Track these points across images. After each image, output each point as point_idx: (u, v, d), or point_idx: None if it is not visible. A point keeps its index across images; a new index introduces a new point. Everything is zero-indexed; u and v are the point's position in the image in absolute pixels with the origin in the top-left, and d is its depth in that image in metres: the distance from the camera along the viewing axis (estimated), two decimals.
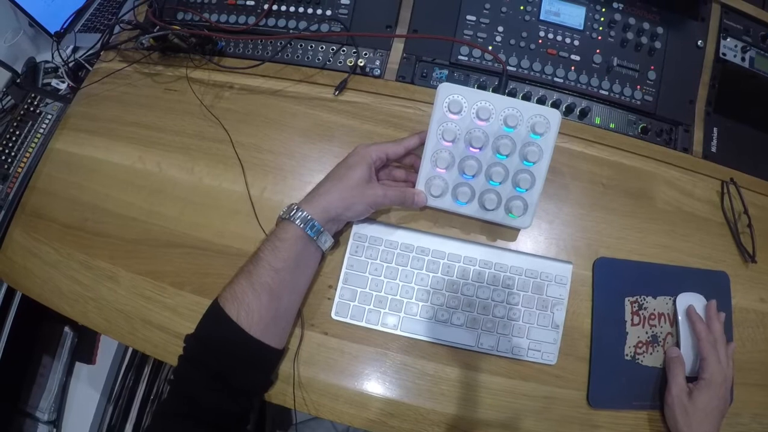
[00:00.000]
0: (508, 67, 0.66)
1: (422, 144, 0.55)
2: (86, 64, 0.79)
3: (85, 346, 0.85)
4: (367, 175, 0.53)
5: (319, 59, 0.68)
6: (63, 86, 0.81)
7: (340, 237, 0.58)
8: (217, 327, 0.47)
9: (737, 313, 0.61)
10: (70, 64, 0.80)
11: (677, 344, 0.58)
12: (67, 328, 0.83)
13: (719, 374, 0.54)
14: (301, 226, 0.49)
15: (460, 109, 0.53)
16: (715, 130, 0.72)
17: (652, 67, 0.69)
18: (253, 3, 0.70)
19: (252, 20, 0.69)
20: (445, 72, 0.67)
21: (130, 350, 0.91)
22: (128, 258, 0.60)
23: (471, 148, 0.55)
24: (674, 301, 0.59)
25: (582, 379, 0.56)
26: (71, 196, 0.64)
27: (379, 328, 0.55)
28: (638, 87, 0.68)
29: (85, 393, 0.86)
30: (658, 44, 0.69)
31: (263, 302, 0.47)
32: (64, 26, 0.84)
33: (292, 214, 0.50)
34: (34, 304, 0.61)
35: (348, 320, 0.55)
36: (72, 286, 0.60)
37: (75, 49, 0.83)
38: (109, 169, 0.65)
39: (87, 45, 0.81)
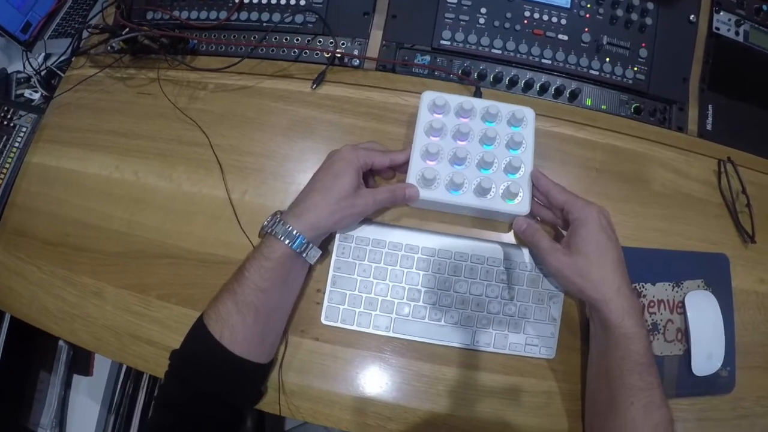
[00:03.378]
0: (494, 50, 0.61)
1: (407, 161, 0.53)
2: (58, 72, 0.74)
3: (81, 358, 0.83)
4: (355, 183, 0.48)
5: (294, 52, 0.63)
6: (36, 96, 0.76)
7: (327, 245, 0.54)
8: (200, 346, 0.45)
9: (738, 296, 0.57)
10: (42, 73, 0.76)
11: (687, 340, 0.54)
12: (61, 342, 0.80)
13: (590, 209, 0.47)
14: (289, 243, 0.45)
15: (443, 109, 0.55)
16: (710, 107, 0.67)
17: (644, 45, 0.64)
18: None
19: (224, 15, 0.64)
20: (428, 58, 0.62)
21: None
22: (112, 272, 0.57)
23: (458, 141, 0.54)
24: (673, 287, 0.56)
25: (582, 372, 0.52)
26: (51, 211, 0.61)
27: (371, 330, 0.52)
28: (629, 66, 0.63)
29: (85, 405, 0.83)
30: (648, 20, 0.64)
31: (248, 322, 0.44)
32: (33, 33, 0.79)
33: (278, 229, 0.45)
34: (24, 321, 0.58)
35: (339, 324, 0.52)
36: (58, 304, 0.57)
37: (47, 57, 0.78)
38: (87, 181, 0.61)
39: (58, 51, 0.76)
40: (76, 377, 0.84)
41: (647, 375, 0.43)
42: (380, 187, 0.52)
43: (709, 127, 0.67)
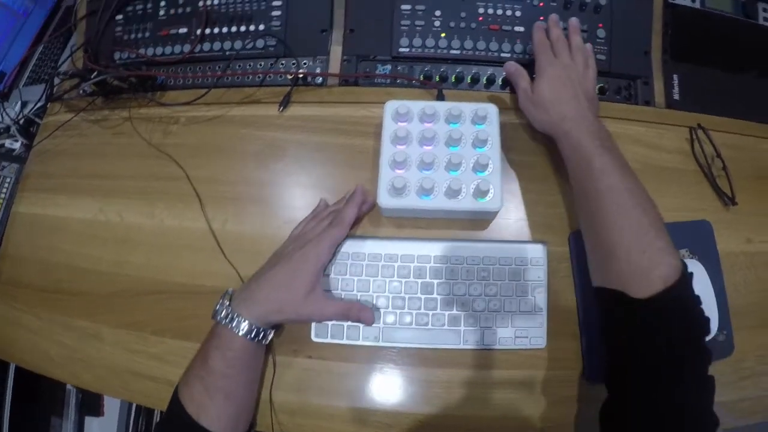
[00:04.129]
0: (452, 51, 0.62)
1: (359, 213, 0.55)
2: (36, 119, 0.75)
3: (91, 400, 0.84)
4: (312, 285, 0.48)
5: (259, 77, 0.64)
6: (17, 145, 0.77)
7: None
8: (180, 425, 0.46)
9: (726, 259, 0.57)
10: (21, 122, 0.77)
11: None
12: (68, 385, 0.81)
13: (546, 64, 0.56)
14: (244, 335, 0.46)
15: (407, 117, 0.55)
16: (674, 77, 0.67)
17: (600, 25, 0.64)
18: (185, 30, 0.66)
19: (187, 48, 0.65)
20: (388, 67, 0.63)
21: None
22: (107, 313, 0.58)
23: (425, 146, 0.55)
24: None
25: (575, 357, 0.53)
26: (42, 258, 0.62)
27: (361, 342, 0.53)
28: None
29: None
30: (602, 0, 0.64)
31: (219, 403, 0.46)
32: (7, 83, 0.80)
33: (232, 323, 0.46)
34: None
35: (329, 340, 0.53)
36: (59, 350, 0.58)
37: (23, 105, 0.79)
38: (73, 226, 0.63)
39: (34, 98, 0.77)
40: (87, 419, 0.85)
41: (605, 178, 0.48)
42: (335, 301, 0.52)
43: (676, 97, 0.67)
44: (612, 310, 0.46)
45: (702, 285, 0.55)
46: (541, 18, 0.63)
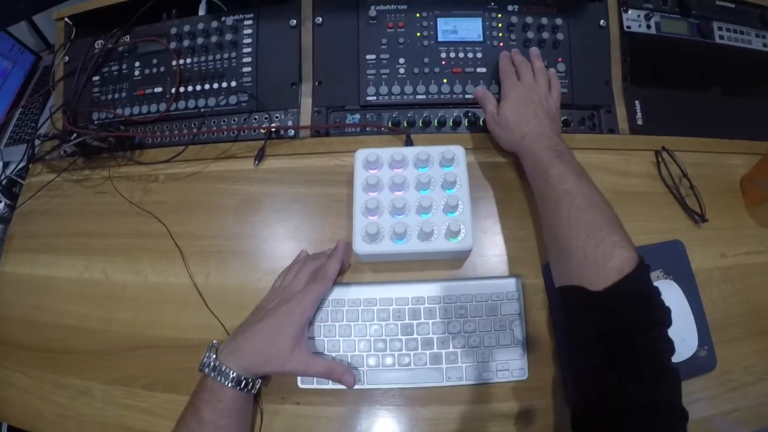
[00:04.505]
0: (418, 96, 0.66)
1: (342, 264, 0.58)
2: (19, 180, 0.78)
3: None
4: (296, 340, 0.51)
5: (233, 132, 0.67)
6: (0, 206, 0.80)
7: None
8: None
9: (701, 276, 0.60)
10: (3, 183, 0.80)
11: None
12: None
13: (512, 88, 0.62)
14: (233, 386, 0.48)
15: (377, 164, 0.59)
16: (636, 103, 0.71)
17: (560, 60, 0.69)
18: (160, 90, 0.70)
19: (163, 107, 0.69)
20: (357, 116, 0.66)
21: None
22: (96, 370, 0.60)
23: (396, 192, 0.58)
24: None
25: (558, 384, 0.55)
26: (30, 318, 0.64)
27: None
28: None
29: None
30: (560, 35, 0.69)
31: None
32: None
33: (222, 376, 0.48)
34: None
35: (315, 386, 0.55)
36: (51, 408, 0.59)
37: (5, 165, 0.82)
38: (59, 285, 0.65)
39: (16, 159, 0.80)
40: None
41: (561, 184, 0.52)
42: (321, 359, 0.54)
43: (639, 122, 0.70)
44: (572, 306, 0.49)
45: (678, 304, 0.57)
46: None
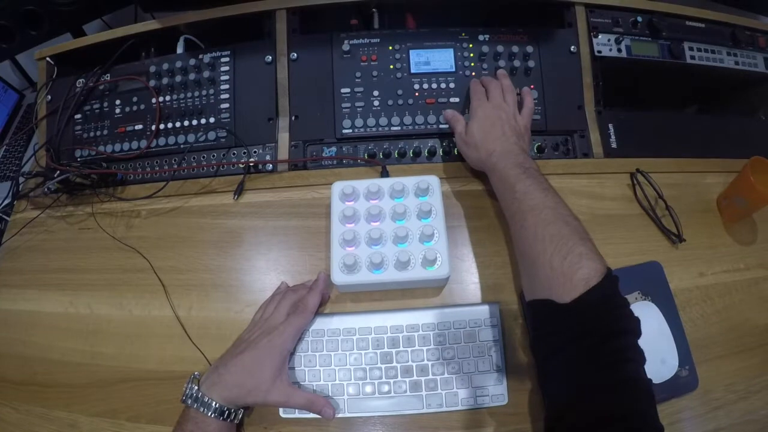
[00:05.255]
0: (393, 128, 0.70)
1: (322, 296, 0.61)
2: (4, 216, 0.82)
3: None
4: (279, 371, 0.54)
5: (213, 167, 0.72)
6: None
7: None
8: None
9: (680, 296, 0.62)
10: None
11: None
12: None
13: (480, 107, 0.66)
14: (217, 417, 0.52)
15: (353, 196, 0.62)
16: (610, 126, 0.75)
17: (532, 87, 0.73)
18: (141, 127, 0.74)
19: (144, 144, 0.73)
20: (334, 149, 0.71)
21: None
22: (83, 403, 0.63)
23: (372, 222, 0.62)
24: None
25: (539, 409, 0.57)
26: (17, 353, 0.67)
27: None
28: None
29: None
30: (531, 63, 0.73)
31: None
32: None
33: (205, 407, 0.51)
34: None
35: (296, 415, 0.58)
36: None
37: None
38: (45, 320, 0.68)
39: (0, 196, 0.84)
40: None
41: (527, 200, 0.55)
42: (301, 391, 0.56)
43: (614, 145, 0.74)
44: (541, 319, 0.51)
45: (657, 325, 0.60)
46: None
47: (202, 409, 0.51)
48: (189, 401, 0.52)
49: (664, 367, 0.58)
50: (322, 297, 0.62)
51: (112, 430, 0.61)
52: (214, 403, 0.51)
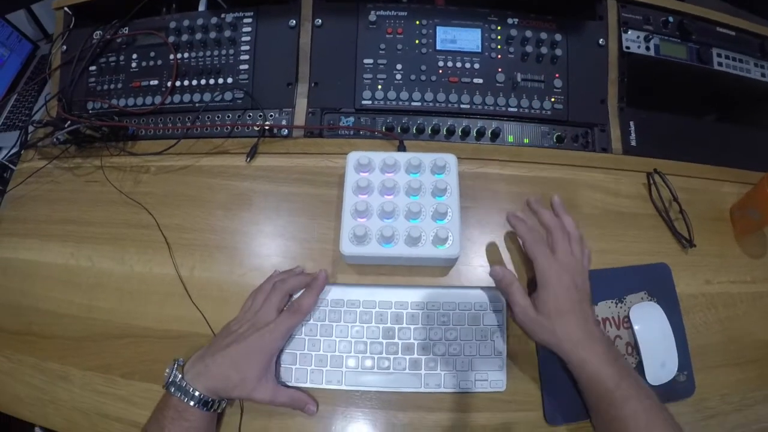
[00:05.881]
0: (413, 103, 0.68)
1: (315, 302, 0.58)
2: (10, 165, 0.81)
3: None
4: (266, 369, 0.53)
5: (227, 128, 0.70)
6: None
7: None
8: None
9: (685, 301, 0.62)
10: None
11: (638, 352, 0.58)
12: (37, 429, 0.84)
13: (551, 269, 0.52)
14: (204, 408, 0.50)
15: (368, 167, 0.61)
16: (631, 124, 0.74)
17: (557, 75, 0.71)
18: (156, 82, 0.72)
19: (158, 100, 0.72)
20: (352, 119, 0.69)
21: None
22: (77, 356, 0.62)
23: (386, 195, 0.60)
24: (616, 303, 0.61)
25: (536, 399, 0.57)
26: (14, 302, 0.66)
27: (324, 386, 0.57)
28: (546, 97, 0.70)
29: None
30: (559, 51, 0.71)
31: None
32: None
33: (188, 396, 0.50)
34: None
35: (293, 384, 0.57)
36: (28, 391, 0.61)
37: None
38: (45, 270, 0.67)
39: (8, 144, 0.82)
40: None
41: (627, 406, 0.48)
42: (285, 390, 0.55)
43: (633, 143, 0.73)
44: None
45: (660, 327, 0.59)
46: (500, 70, 0.70)
47: (184, 398, 0.50)
48: (172, 389, 0.50)
49: (663, 371, 0.57)
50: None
51: (105, 385, 0.60)
52: (197, 393, 0.50)
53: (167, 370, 0.52)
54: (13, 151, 0.81)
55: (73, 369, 0.61)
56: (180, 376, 0.51)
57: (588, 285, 0.55)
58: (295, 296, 0.58)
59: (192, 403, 0.49)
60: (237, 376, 0.51)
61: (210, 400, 0.50)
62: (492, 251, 0.64)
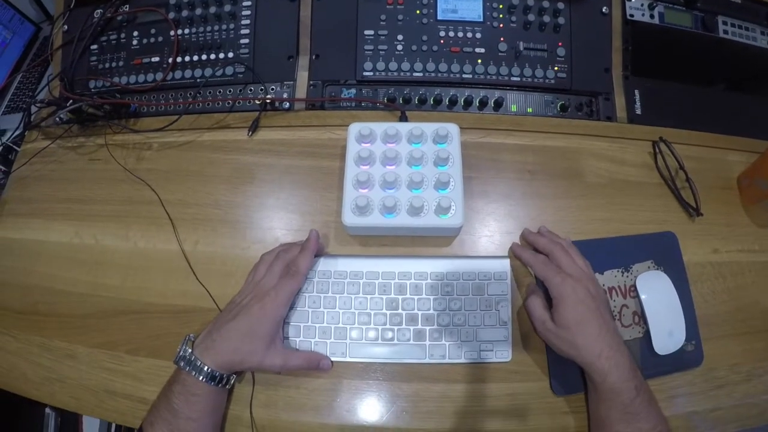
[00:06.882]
0: (415, 74, 0.66)
1: (320, 249, 0.57)
2: (14, 147, 0.80)
3: (69, 423, 0.85)
4: (272, 336, 0.52)
5: (228, 103, 0.68)
6: None
7: None
8: None
9: (693, 270, 0.60)
10: None
11: (645, 321, 0.57)
12: (47, 409, 0.83)
13: (565, 283, 0.52)
14: (208, 382, 0.49)
15: (370, 138, 0.59)
16: (636, 92, 0.72)
17: (560, 44, 0.69)
18: (157, 59, 0.71)
19: (160, 76, 0.70)
20: (353, 91, 0.67)
21: None
22: (82, 334, 0.61)
23: (387, 166, 0.59)
24: (622, 272, 0.59)
25: (542, 370, 0.56)
26: (19, 282, 0.65)
27: None
28: (550, 66, 0.68)
29: None
30: (561, 20, 0.69)
31: None
32: None
33: (197, 371, 0.49)
34: (8, 394, 0.62)
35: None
36: (36, 370, 0.60)
37: (1, 133, 0.84)
38: (50, 249, 0.66)
39: (12, 127, 0.81)
40: None
41: (635, 422, 0.47)
42: (297, 352, 0.54)
43: (638, 112, 0.71)
44: None
45: (667, 296, 0.57)
46: (502, 39, 0.68)
47: (193, 373, 0.49)
48: (181, 363, 0.50)
49: (670, 340, 0.56)
50: (319, 250, 0.58)
51: (111, 362, 0.59)
52: (206, 368, 0.49)
53: (179, 346, 0.51)
54: (17, 132, 0.80)
55: (80, 347, 0.60)
56: (190, 350, 0.50)
57: (602, 290, 0.55)
58: None
59: (201, 378, 0.49)
60: (245, 347, 0.50)
61: (219, 375, 0.49)
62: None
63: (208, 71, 0.69)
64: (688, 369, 0.56)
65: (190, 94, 0.70)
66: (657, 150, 0.66)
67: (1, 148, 0.81)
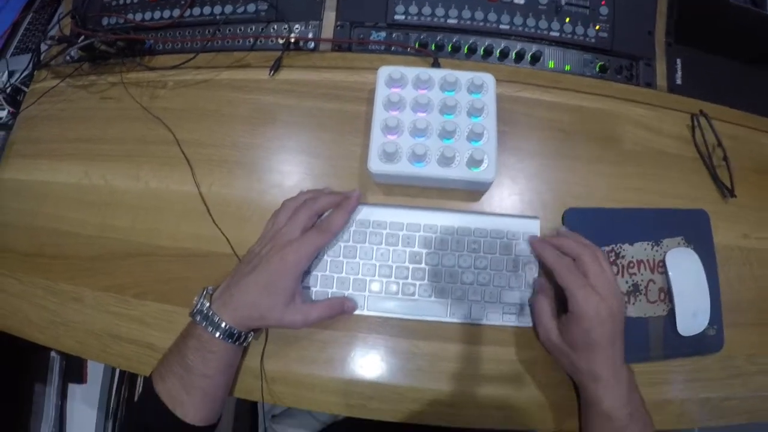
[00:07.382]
0: (449, 20, 0.62)
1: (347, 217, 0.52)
2: (23, 87, 0.76)
3: (74, 367, 0.84)
4: (292, 291, 0.48)
5: (249, 41, 0.64)
6: (4, 114, 0.77)
7: None
8: (155, 413, 0.47)
9: (721, 252, 0.56)
10: (8, 90, 0.77)
11: (671, 300, 0.54)
12: (53, 353, 0.82)
13: (588, 303, 0.45)
14: (229, 340, 0.46)
15: (401, 82, 0.55)
16: (678, 61, 0.67)
17: (603, 2, 0.64)
18: None
19: (177, 13, 0.66)
20: (383, 34, 0.63)
21: None
22: (89, 276, 0.58)
23: (418, 113, 0.55)
24: (652, 246, 0.56)
25: None
26: (25, 223, 0.62)
27: None
28: (591, 24, 0.64)
29: (83, 413, 0.85)
30: None
31: (197, 400, 0.47)
32: None
33: (214, 327, 0.46)
34: (13, 337, 0.60)
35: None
36: (40, 313, 0.58)
37: (10, 74, 0.80)
38: (57, 191, 0.63)
39: (21, 67, 0.77)
40: (71, 386, 0.85)
41: None
42: (316, 303, 0.50)
43: (679, 81, 0.66)
44: None
45: (696, 276, 0.54)
46: None
47: (210, 329, 0.46)
48: (198, 317, 0.47)
49: (694, 321, 0.53)
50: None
51: (118, 305, 0.56)
52: (223, 324, 0.46)
53: (195, 298, 0.48)
54: (26, 72, 0.76)
55: (86, 289, 0.58)
56: (207, 304, 0.47)
57: (623, 305, 0.49)
58: (324, 215, 0.53)
59: (218, 335, 0.46)
60: (264, 301, 0.47)
61: (237, 332, 0.46)
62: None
63: (228, 8, 0.65)
64: (708, 353, 0.54)
65: (209, 31, 0.65)
66: (696, 123, 0.62)
67: (9, 89, 0.78)
